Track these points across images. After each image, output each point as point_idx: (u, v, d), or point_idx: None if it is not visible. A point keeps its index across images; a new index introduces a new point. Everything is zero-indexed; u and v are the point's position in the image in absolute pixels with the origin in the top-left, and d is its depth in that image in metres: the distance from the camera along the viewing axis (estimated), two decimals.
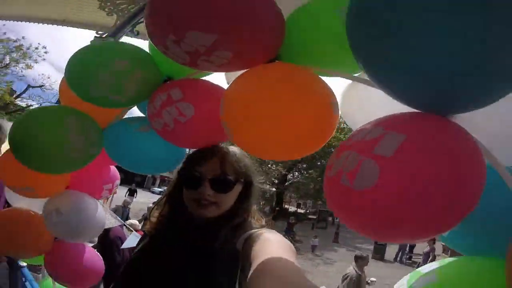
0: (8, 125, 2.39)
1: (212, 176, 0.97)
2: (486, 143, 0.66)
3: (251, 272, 0.67)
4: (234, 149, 1.09)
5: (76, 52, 1.10)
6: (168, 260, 0.93)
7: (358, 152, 0.62)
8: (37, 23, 3.63)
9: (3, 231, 1.70)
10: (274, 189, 21.38)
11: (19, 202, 1.83)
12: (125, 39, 2.95)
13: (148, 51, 1.18)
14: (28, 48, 17.68)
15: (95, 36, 2.96)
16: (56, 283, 1.98)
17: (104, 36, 2.94)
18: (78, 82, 1.11)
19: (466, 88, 0.57)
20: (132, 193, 15.88)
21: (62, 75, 1.21)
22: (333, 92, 0.91)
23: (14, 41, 17.11)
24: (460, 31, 0.50)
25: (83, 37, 4.12)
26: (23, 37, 18.19)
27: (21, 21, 3.59)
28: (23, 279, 2.55)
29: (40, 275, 2.67)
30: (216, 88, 1.13)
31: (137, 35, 3.06)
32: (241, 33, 0.81)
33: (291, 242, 0.85)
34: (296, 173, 23.54)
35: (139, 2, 2.73)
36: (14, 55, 17.52)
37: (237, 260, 0.88)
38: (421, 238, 0.62)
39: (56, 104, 1.61)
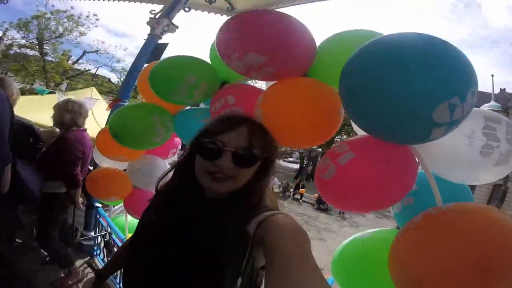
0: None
1: (236, 147, 0.83)
2: (434, 163, 1.06)
3: (269, 275, 0.65)
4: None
5: (157, 65, 1.53)
6: (171, 236, 0.84)
7: (330, 158, 1.05)
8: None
9: (101, 182, 2.37)
10: (320, 149, 20.84)
11: (105, 162, 2.46)
12: (178, 16, 3.27)
13: (209, 62, 1.57)
14: (79, 17, 17.93)
15: (150, 18, 3.27)
16: (129, 217, 2.68)
17: (157, 16, 3.26)
18: (161, 91, 1.55)
19: (396, 134, 0.92)
20: (181, 147, 16.74)
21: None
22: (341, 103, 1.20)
23: (63, 12, 17.39)
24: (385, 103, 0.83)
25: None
26: (72, 7, 17.88)
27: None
28: (97, 216, 3.32)
29: (107, 214, 3.40)
30: (258, 90, 1.50)
31: (188, 11, 3.35)
32: (284, 56, 1.13)
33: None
34: (345, 136, 20.23)
35: None
36: (66, 25, 17.85)
37: (246, 243, 0.78)
38: (362, 212, 1.17)
39: (140, 102, 2.10)
